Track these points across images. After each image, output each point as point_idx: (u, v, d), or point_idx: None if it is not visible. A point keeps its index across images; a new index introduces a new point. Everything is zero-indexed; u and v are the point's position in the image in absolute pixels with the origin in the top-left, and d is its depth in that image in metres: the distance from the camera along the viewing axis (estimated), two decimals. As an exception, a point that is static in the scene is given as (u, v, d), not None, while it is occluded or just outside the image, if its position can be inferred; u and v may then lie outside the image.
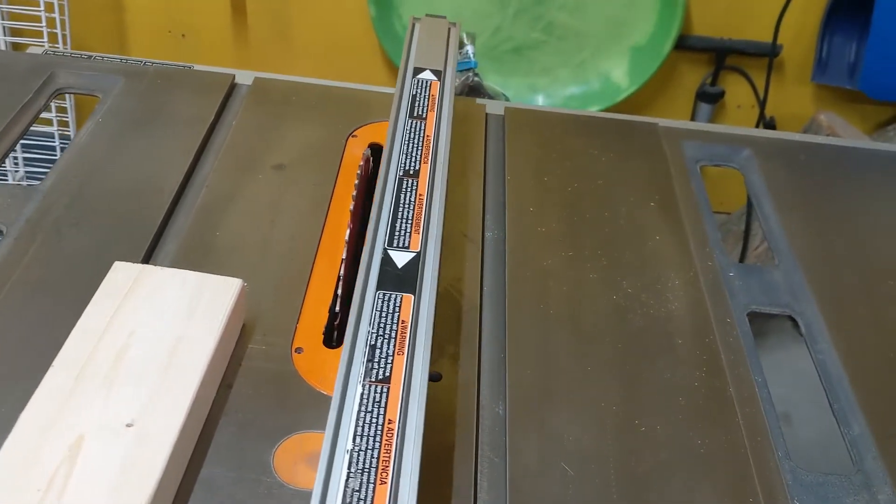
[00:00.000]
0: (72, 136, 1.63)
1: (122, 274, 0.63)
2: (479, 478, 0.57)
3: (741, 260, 1.71)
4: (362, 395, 0.53)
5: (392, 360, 0.55)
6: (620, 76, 1.75)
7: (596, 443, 0.60)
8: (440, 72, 0.86)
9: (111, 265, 0.64)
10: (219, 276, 0.64)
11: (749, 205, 1.67)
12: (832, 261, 0.78)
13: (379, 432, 0.51)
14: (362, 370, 0.55)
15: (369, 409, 0.52)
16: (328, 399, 0.61)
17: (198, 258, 0.71)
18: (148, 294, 0.62)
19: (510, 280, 0.72)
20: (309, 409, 0.61)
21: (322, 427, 0.59)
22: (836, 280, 0.76)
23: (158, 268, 0.64)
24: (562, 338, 0.68)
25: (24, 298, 0.66)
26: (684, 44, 1.73)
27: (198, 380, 0.57)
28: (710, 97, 1.80)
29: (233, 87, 0.93)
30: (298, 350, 0.65)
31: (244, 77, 0.95)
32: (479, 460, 0.59)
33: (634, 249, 0.77)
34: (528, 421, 0.61)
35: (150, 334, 0.59)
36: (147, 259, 0.71)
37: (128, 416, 0.54)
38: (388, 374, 0.55)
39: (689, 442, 0.61)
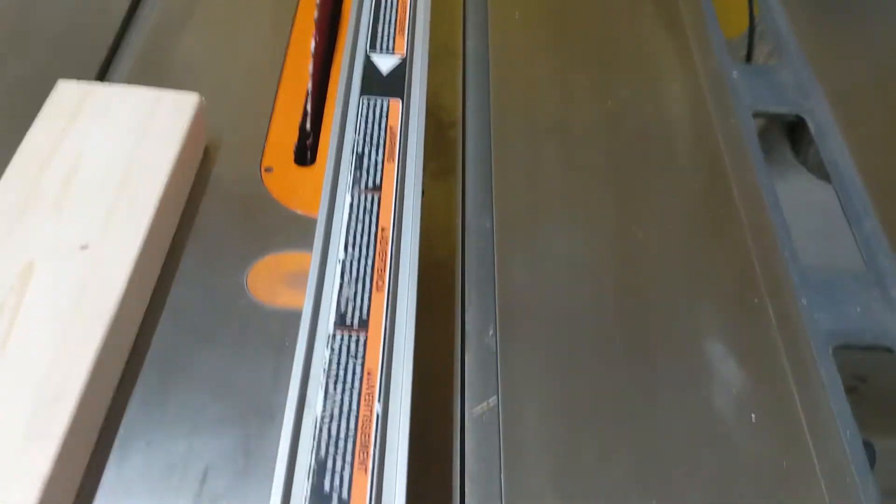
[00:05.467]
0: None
1: (67, 93, 0.57)
2: (466, 290, 0.54)
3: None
4: (352, 204, 0.49)
5: (382, 168, 0.51)
6: None
7: (589, 252, 0.56)
8: None
9: (57, 87, 0.58)
10: (174, 91, 0.58)
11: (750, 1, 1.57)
12: (843, 57, 0.72)
13: (373, 241, 0.47)
14: (350, 179, 0.50)
15: (360, 217, 0.49)
16: (303, 219, 0.57)
17: (153, 78, 0.65)
18: (96, 114, 0.56)
19: (494, 91, 0.67)
20: (282, 229, 0.56)
21: (298, 247, 0.55)
22: (847, 77, 0.70)
23: (106, 84, 0.58)
24: (551, 148, 0.63)
25: (-36, 127, 0.61)
26: None
27: (156, 200, 0.52)
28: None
29: None
30: (268, 170, 0.60)
31: None
32: (465, 273, 0.55)
33: (630, 53, 0.71)
34: (517, 234, 0.57)
35: (101, 156, 0.54)
36: (99, 80, 0.66)
37: (82, 239, 0.50)
38: (378, 182, 0.50)
39: (689, 244, 0.57)
